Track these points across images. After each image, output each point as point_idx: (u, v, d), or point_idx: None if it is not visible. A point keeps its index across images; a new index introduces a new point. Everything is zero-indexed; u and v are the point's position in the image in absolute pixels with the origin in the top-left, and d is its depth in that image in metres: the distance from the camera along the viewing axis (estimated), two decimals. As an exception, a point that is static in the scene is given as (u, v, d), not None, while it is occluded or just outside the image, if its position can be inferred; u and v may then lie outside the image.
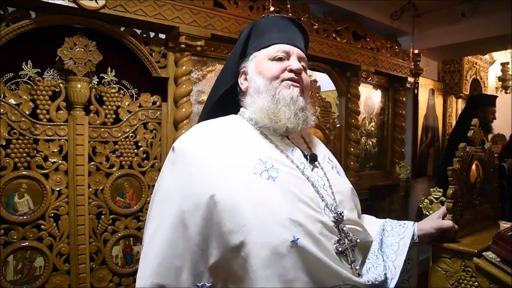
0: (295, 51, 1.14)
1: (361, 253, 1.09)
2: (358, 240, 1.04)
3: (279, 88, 1.09)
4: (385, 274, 1.05)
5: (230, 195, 0.92)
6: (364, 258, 1.10)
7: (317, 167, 1.13)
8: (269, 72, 1.10)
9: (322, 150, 1.24)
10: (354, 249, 1.01)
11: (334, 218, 1.01)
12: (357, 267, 1.00)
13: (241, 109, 1.18)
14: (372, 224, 1.23)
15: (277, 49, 1.13)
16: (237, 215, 0.90)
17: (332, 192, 1.07)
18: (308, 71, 1.29)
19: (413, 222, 1.25)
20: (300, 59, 1.14)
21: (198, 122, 1.19)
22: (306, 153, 1.13)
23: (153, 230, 0.98)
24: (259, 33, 1.18)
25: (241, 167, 0.98)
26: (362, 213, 1.28)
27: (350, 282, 0.93)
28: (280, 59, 1.12)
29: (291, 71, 1.10)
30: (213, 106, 1.21)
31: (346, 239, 1.00)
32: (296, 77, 1.10)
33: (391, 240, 1.17)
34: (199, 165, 0.98)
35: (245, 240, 0.89)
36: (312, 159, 1.12)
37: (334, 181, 1.12)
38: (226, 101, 1.19)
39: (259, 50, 1.15)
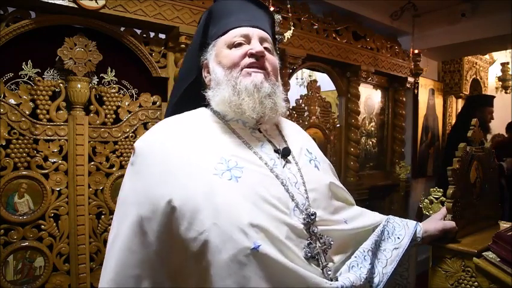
0: (256, 33, 1.03)
1: (352, 245, 1.04)
2: (332, 242, 0.95)
3: (239, 78, 0.99)
4: (367, 278, 0.98)
5: (188, 199, 0.85)
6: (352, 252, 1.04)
7: (290, 162, 1.03)
8: (227, 60, 1.01)
9: (299, 142, 1.14)
10: (326, 252, 0.94)
11: (304, 219, 0.93)
12: (329, 272, 0.92)
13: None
14: (371, 219, 1.15)
15: (235, 34, 1.02)
16: (194, 221, 0.83)
17: (305, 191, 0.99)
18: (308, 71, 1.25)
19: (414, 224, 1.18)
20: (262, 40, 1.03)
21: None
22: (278, 147, 1.04)
23: (113, 237, 0.93)
24: (216, 19, 1.08)
25: (202, 167, 0.90)
26: None
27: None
28: (239, 45, 1.02)
29: (251, 55, 0.99)
30: (175, 105, 1.13)
31: (317, 242, 0.92)
32: (258, 61, 1.00)
33: (386, 246, 1.11)
34: (157, 167, 0.91)
35: (203, 248, 0.82)
36: (284, 153, 1.03)
37: (309, 177, 1.02)
38: (195, 95, 1.09)
39: (218, 37, 1.05)
